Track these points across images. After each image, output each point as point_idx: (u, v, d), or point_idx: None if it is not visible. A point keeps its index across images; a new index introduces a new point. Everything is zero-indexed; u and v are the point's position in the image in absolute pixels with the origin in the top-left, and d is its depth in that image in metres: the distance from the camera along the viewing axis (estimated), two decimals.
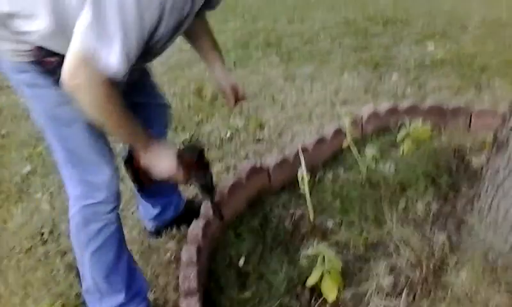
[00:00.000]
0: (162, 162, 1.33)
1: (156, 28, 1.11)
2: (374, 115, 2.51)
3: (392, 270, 1.59)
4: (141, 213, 1.99)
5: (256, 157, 2.48)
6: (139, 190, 1.84)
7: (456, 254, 1.58)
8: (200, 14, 1.37)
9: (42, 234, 2.06)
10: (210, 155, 2.57)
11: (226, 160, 2.50)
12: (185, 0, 1.12)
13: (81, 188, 1.36)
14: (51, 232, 2.07)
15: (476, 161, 2.03)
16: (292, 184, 2.05)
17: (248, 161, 2.16)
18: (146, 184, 1.49)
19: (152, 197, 1.89)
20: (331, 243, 1.74)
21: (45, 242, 2.02)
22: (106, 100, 1.13)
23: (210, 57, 1.63)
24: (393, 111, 2.54)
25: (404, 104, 2.60)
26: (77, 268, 1.54)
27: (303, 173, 1.86)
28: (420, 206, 1.83)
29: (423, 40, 4.30)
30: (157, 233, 1.98)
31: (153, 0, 1.05)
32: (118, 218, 1.46)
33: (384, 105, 2.60)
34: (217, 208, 1.56)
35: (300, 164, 1.87)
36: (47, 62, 1.20)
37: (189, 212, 1.92)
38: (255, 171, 2.04)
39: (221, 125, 2.82)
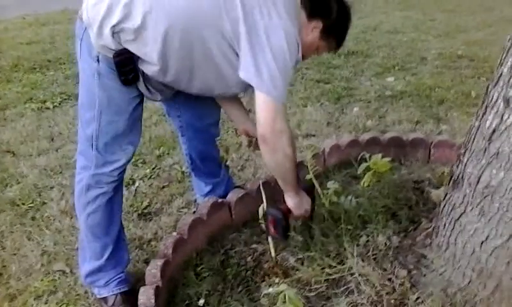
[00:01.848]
0: (304, 202, 1.77)
1: None
2: (336, 148, 2.52)
3: None
4: (195, 189, 2.29)
5: None
6: (193, 170, 2.16)
7: (417, 290, 1.57)
8: None
9: None
10: (171, 189, 2.53)
11: (187, 195, 2.45)
12: None
13: (96, 161, 1.60)
14: (0, 274, 1.96)
15: (435, 194, 2.05)
16: (254, 219, 2.01)
17: (209, 196, 2.12)
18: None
19: (205, 176, 2.18)
20: (293, 280, 1.71)
21: None
22: (291, 142, 1.55)
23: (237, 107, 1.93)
24: (354, 144, 2.56)
25: (365, 136, 2.63)
26: None
27: (264, 208, 1.83)
28: (380, 241, 1.82)
29: (383, 72, 4.41)
30: None
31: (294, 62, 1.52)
32: (117, 190, 1.70)
33: (345, 138, 2.62)
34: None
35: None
36: (124, 65, 1.46)
37: None
38: (216, 207, 2.01)
39: (182, 158, 2.77)
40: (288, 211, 1.75)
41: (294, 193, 1.72)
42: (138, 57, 1.47)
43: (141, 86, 1.56)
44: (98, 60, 1.48)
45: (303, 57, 1.67)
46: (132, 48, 1.44)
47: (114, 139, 1.59)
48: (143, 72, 1.52)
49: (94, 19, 1.42)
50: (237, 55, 1.47)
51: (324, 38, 1.68)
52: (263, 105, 1.46)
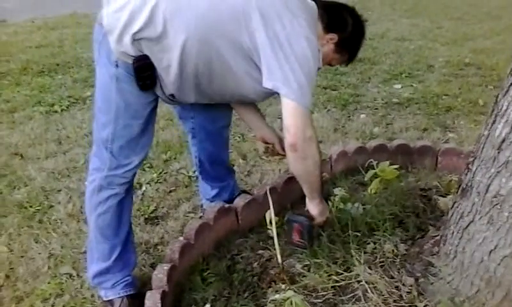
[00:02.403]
0: (324, 208, 1.83)
1: None
2: (343, 154, 2.52)
3: None
4: (201, 193, 2.30)
5: None
6: (200, 173, 2.18)
7: (424, 298, 1.57)
8: None
9: None
10: (178, 194, 2.53)
11: (193, 199, 2.45)
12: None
13: (109, 164, 1.62)
14: (7, 277, 1.97)
15: (442, 202, 2.05)
16: (260, 225, 2.02)
17: (216, 201, 2.12)
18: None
19: (212, 180, 2.19)
20: (300, 286, 1.71)
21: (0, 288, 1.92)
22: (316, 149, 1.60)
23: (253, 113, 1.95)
24: (361, 151, 2.56)
25: (372, 143, 2.63)
26: None
27: (271, 214, 1.83)
28: (387, 248, 1.82)
29: (390, 79, 4.41)
30: None
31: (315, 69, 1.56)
32: (128, 192, 1.73)
33: (352, 145, 2.62)
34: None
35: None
36: (143, 70, 1.48)
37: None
38: (223, 212, 2.01)
39: (190, 163, 2.78)
40: (312, 218, 1.80)
41: (319, 200, 1.78)
42: (157, 64, 1.50)
43: (158, 90, 1.59)
44: (117, 65, 1.50)
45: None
46: (152, 54, 1.47)
47: (128, 142, 1.62)
48: (161, 78, 1.54)
49: (115, 26, 1.44)
50: (257, 66, 1.51)
51: (338, 51, 1.73)
52: (293, 112, 1.50)
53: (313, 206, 1.78)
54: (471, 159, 1.51)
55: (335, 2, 1.76)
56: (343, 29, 1.69)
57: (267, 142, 1.96)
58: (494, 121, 1.40)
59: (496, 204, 1.37)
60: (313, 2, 1.66)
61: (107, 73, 1.54)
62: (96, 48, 1.57)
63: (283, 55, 1.46)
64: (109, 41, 1.47)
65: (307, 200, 1.79)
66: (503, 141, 1.35)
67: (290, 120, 1.51)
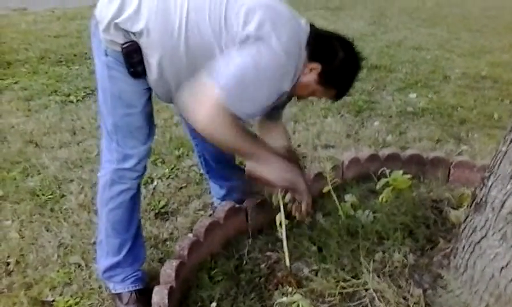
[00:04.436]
0: (280, 170, 1.66)
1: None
2: (355, 161, 2.51)
3: None
4: (212, 192, 2.33)
5: None
6: (207, 172, 2.20)
7: None
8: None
9: (8, 264, 1.99)
10: (189, 190, 2.54)
11: (204, 197, 2.47)
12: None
13: (117, 155, 1.63)
14: (17, 262, 2.00)
15: (454, 215, 2.03)
16: (270, 227, 2.02)
17: (227, 201, 2.13)
18: None
19: (220, 179, 2.21)
20: (307, 291, 1.71)
21: (10, 273, 1.94)
22: (234, 135, 1.46)
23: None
24: (373, 158, 2.55)
25: (385, 152, 2.62)
26: None
27: (281, 217, 1.84)
28: (397, 258, 1.81)
29: (405, 88, 4.39)
30: None
31: (275, 89, 1.48)
32: (139, 187, 1.74)
33: (365, 152, 2.61)
34: None
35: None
36: (132, 57, 1.47)
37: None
38: (233, 212, 2.02)
39: None
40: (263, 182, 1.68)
41: (263, 159, 1.61)
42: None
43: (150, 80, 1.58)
44: (106, 54, 1.51)
45: (298, 97, 1.70)
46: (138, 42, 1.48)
47: (131, 132, 1.62)
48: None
49: (105, 15, 1.47)
50: None
51: (321, 83, 1.62)
52: (210, 100, 1.40)
53: (257, 166, 1.63)
54: (487, 174, 1.50)
55: (329, 32, 1.65)
56: (328, 60, 1.58)
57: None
58: None
59: (511, 221, 1.36)
60: (306, 26, 1.58)
61: (100, 63, 1.56)
62: (91, 40, 1.60)
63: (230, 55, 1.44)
64: (99, 31, 1.50)
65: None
66: None
67: (205, 103, 1.40)
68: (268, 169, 1.63)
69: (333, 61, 1.59)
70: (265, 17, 1.42)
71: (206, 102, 1.39)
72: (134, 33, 1.45)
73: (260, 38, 1.41)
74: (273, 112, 1.82)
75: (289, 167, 1.68)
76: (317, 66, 1.58)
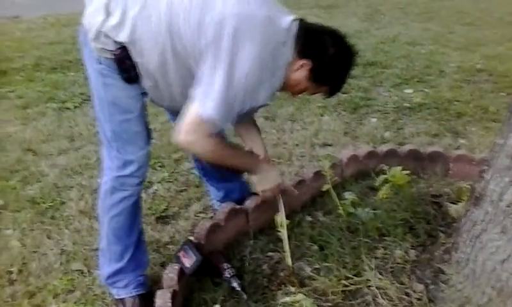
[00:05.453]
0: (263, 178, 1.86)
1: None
2: (354, 158, 2.52)
3: None
4: (211, 195, 2.32)
5: None
6: (204, 175, 2.21)
7: (434, 305, 1.57)
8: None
9: (10, 273, 1.99)
10: (189, 193, 2.55)
11: (204, 199, 2.47)
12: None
13: (117, 162, 1.63)
14: (20, 271, 2.00)
15: (453, 209, 2.04)
16: (270, 227, 2.02)
17: (227, 202, 2.13)
18: None
19: (216, 182, 2.20)
20: (309, 290, 1.71)
21: (12, 282, 1.94)
22: (214, 148, 1.54)
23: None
24: (372, 155, 2.56)
25: (383, 148, 2.63)
26: None
27: (281, 217, 1.85)
28: (398, 254, 1.82)
29: (401, 84, 4.39)
30: None
31: (257, 98, 1.51)
32: (139, 194, 1.74)
33: (363, 149, 2.62)
34: None
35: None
36: (124, 63, 1.48)
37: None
38: (233, 213, 2.02)
39: None
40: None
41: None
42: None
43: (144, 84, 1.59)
44: (100, 62, 1.51)
45: (292, 94, 1.69)
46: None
47: (129, 138, 1.62)
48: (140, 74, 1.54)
49: (93, 24, 1.46)
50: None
51: (313, 80, 1.60)
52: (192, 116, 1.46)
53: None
54: (485, 167, 1.51)
55: (321, 27, 1.61)
56: (318, 56, 1.55)
57: None
58: (510, 131, 1.40)
59: (510, 214, 1.37)
60: (292, 23, 1.52)
61: (94, 72, 1.55)
62: (81, 49, 1.59)
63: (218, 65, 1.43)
64: (89, 39, 1.49)
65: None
66: None
67: (186, 117, 1.47)
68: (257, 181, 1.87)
69: (323, 57, 1.56)
70: (237, 26, 1.39)
71: (187, 120, 1.46)
72: (120, 42, 1.45)
73: (231, 49, 1.40)
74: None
75: (269, 170, 1.88)
76: (307, 63, 1.55)
